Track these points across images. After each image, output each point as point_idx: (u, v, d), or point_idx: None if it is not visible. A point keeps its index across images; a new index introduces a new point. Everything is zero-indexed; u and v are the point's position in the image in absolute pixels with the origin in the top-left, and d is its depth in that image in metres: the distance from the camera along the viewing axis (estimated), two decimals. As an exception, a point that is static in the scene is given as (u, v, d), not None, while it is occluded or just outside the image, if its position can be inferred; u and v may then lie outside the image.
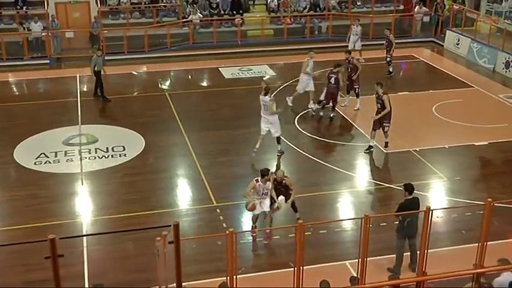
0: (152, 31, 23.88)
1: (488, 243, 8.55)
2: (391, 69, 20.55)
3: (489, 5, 22.24)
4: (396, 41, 21.18)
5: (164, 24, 24.36)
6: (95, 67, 18.17)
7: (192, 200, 12.76)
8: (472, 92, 19.44)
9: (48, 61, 22.63)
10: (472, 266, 8.57)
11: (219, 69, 21.71)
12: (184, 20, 24.70)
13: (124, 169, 13.99)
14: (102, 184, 13.35)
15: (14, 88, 21.14)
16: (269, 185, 11.06)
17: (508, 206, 11.12)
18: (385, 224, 10.97)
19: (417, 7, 26.37)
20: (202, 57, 23.14)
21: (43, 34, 22.96)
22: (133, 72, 21.98)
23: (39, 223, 11.53)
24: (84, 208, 12.32)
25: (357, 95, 17.30)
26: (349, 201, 12.79)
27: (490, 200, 8.46)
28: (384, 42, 20.81)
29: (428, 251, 8.46)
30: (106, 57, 18.86)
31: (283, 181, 11.33)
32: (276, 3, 25.98)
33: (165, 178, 13.64)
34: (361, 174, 13.98)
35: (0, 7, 24.27)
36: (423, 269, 8.53)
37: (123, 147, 14.98)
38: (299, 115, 16.95)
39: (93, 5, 24.53)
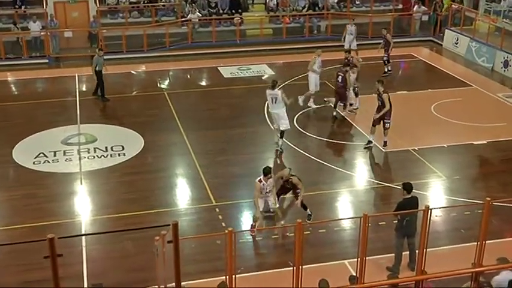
0: (151, 30, 23.87)
1: (487, 242, 8.55)
2: (385, 70, 20.50)
3: (488, 4, 22.24)
4: (395, 40, 21.20)
5: (163, 24, 24.35)
6: (96, 67, 18.17)
7: (191, 199, 12.76)
8: (470, 91, 19.45)
9: (46, 60, 22.62)
10: (471, 265, 8.58)
11: (218, 68, 21.70)
12: (183, 19, 24.69)
13: (123, 168, 13.98)
14: (101, 183, 13.35)
15: (13, 87, 21.13)
16: (271, 182, 11.09)
17: (507, 205, 11.15)
18: (384, 223, 10.97)
19: (416, 6, 26.37)
20: (201, 56, 23.13)
21: (42, 33, 22.94)
22: (132, 72, 21.97)
23: (38, 223, 11.52)
24: (83, 207, 12.31)
25: (356, 94, 17.31)
26: (348, 201, 12.79)
27: (488, 199, 8.47)
28: (382, 41, 20.82)
29: (427, 250, 8.46)
30: (105, 57, 18.79)
31: (290, 179, 11.45)
32: (275, 3, 25.97)
33: (164, 177, 13.63)
34: (360, 174, 13.99)
35: (-1, 6, 24.29)
36: (422, 268, 8.54)
37: (122, 147, 14.98)
38: (298, 114, 16.94)
39: (92, 4, 24.51)
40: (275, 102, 14.46)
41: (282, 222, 11.43)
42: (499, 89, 19.68)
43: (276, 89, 14.50)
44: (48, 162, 14.23)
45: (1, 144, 15.17)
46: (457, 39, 23.84)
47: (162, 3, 25.51)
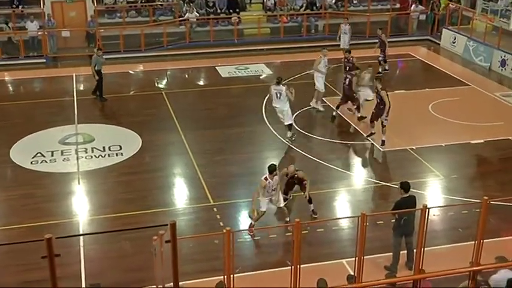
0: (148, 30, 23.85)
1: (484, 241, 8.56)
2: (380, 70, 20.49)
3: (485, 4, 22.27)
4: (393, 39, 21.22)
5: (161, 23, 24.33)
6: (95, 66, 18.15)
7: (188, 199, 12.75)
8: (468, 90, 19.47)
9: (44, 60, 22.59)
10: (469, 264, 8.59)
11: (216, 68, 21.69)
12: (180, 18, 24.67)
13: (121, 168, 13.97)
14: (98, 183, 13.33)
15: (10, 87, 21.10)
16: (276, 179, 11.12)
17: (504, 203, 11.16)
18: (382, 222, 10.98)
19: (413, 5, 26.41)
20: (198, 56, 23.12)
21: (39, 33, 22.91)
22: (130, 71, 21.96)
23: (35, 223, 11.51)
24: (80, 207, 12.30)
25: (345, 97, 17.26)
26: (346, 200, 12.80)
27: (486, 198, 8.48)
28: (377, 41, 20.84)
29: (425, 249, 8.47)
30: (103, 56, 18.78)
31: (295, 175, 11.51)
32: (273, 2, 25.98)
33: (161, 177, 13.63)
34: (358, 173, 14.00)
35: (-4, 6, 24.25)
36: (420, 267, 8.54)
37: (120, 147, 14.96)
38: (297, 113, 16.91)
39: (90, 3, 24.48)
40: (279, 98, 14.86)
41: (287, 219, 11.40)
42: (496, 88, 19.71)
43: (281, 85, 14.82)
44: (46, 162, 14.21)
45: (-1, 144, 15.16)
46: (455, 39, 23.87)
47: (159, 3, 25.50)
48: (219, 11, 25.49)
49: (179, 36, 24.26)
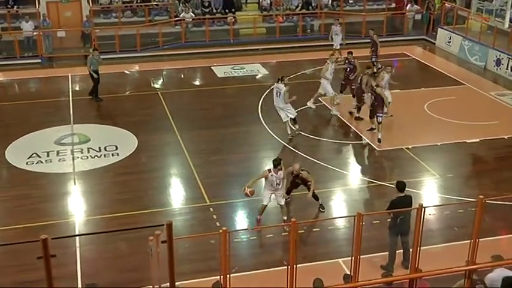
0: (144, 30, 23.82)
1: (480, 240, 8.58)
2: (375, 70, 20.46)
3: (480, 3, 22.30)
4: (388, 39, 21.23)
5: (156, 23, 24.31)
6: (90, 66, 18.11)
7: (185, 199, 12.75)
8: (463, 89, 19.52)
9: (39, 60, 22.53)
10: (465, 263, 8.61)
11: (212, 68, 21.68)
12: (176, 18, 24.65)
13: (116, 168, 13.95)
14: (94, 184, 13.31)
15: (5, 88, 21.00)
16: (281, 174, 11.12)
17: (500, 202, 11.19)
18: (378, 221, 11.00)
19: (409, 5, 26.47)
20: (194, 56, 23.10)
21: (34, 33, 22.85)
22: (126, 72, 21.92)
23: (31, 223, 11.49)
24: (76, 208, 12.28)
25: (353, 95, 17.28)
26: (342, 199, 12.82)
27: (481, 197, 8.49)
28: (370, 42, 20.87)
29: (421, 248, 8.48)
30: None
31: (300, 174, 11.53)
32: (268, 2, 25.97)
33: (157, 177, 13.61)
34: (354, 172, 14.01)
35: (-9, 6, 24.17)
36: (416, 266, 8.56)
37: (116, 147, 14.94)
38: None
39: (85, 4, 24.42)
40: (278, 96, 15.02)
41: (285, 218, 11.41)
42: (491, 87, 19.77)
43: (282, 84, 14.93)
44: (42, 162, 14.18)
45: (-6, 145, 15.12)
46: (450, 38, 23.92)
47: (155, 3, 25.44)
48: (214, 11, 25.47)
49: (175, 36, 24.24)
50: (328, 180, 13.37)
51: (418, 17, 26.45)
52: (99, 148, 14.87)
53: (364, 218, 8.36)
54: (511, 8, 20.50)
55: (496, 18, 21.04)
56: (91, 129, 16.05)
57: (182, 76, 21.85)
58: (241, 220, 11.85)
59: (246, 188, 11.12)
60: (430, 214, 11.31)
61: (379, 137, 14.86)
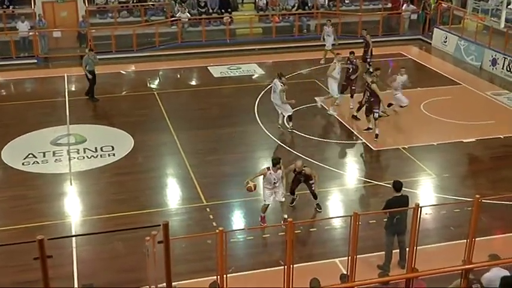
0: (140, 30, 23.77)
1: (476, 239, 8.60)
2: (371, 70, 20.47)
3: (476, 3, 22.34)
4: (384, 39, 21.24)
5: (152, 23, 24.28)
6: (86, 67, 18.08)
7: (181, 199, 12.73)
8: (459, 89, 19.56)
9: (35, 61, 22.48)
10: (461, 262, 8.62)
11: (208, 68, 21.67)
12: (172, 18, 24.63)
13: (113, 169, 13.93)
14: (91, 184, 13.29)
15: (1, 88, 20.95)
16: (280, 173, 11.11)
17: (496, 202, 11.21)
18: (374, 221, 11.01)
19: (405, 5, 26.48)
20: (191, 56, 23.08)
21: (30, 33, 22.79)
22: (122, 72, 21.88)
23: (27, 224, 11.46)
24: (73, 208, 12.25)
25: (352, 95, 17.29)
26: (339, 199, 12.82)
27: (478, 196, 8.51)
28: (363, 42, 20.88)
29: (417, 247, 8.50)
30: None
31: (302, 171, 11.51)
32: (265, 2, 25.97)
33: (154, 177, 13.59)
34: (351, 172, 14.02)
35: (-14, 6, 24.09)
36: (412, 266, 8.57)
37: (112, 147, 14.92)
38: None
39: (81, 4, 24.39)
40: (274, 92, 15.28)
41: (285, 216, 11.40)
42: (487, 87, 19.81)
43: (278, 81, 15.09)
44: (38, 163, 14.15)
45: (-10, 145, 15.07)
46: (446, 38, 23.97)
47: (151, 3, 25.43)
48: (211, 11, 25.46)
49: (171, 36, 24.22)
50: (325, 180, 13.35)
51: (414, 16, 26.50)
52: (96, 148, 14.85)
53: (361, 218, 8.38)
54: (506, 7, 20.54)
55: (492, 18, 21.08)
56: (87, 130, 16.02)
57: (178, 76, 21.82)
58: (237, 220, 11.85)
59: (250, 182, 11.11)
60: (426, 214, 11.31)
61: (377, 132, 14.88)
